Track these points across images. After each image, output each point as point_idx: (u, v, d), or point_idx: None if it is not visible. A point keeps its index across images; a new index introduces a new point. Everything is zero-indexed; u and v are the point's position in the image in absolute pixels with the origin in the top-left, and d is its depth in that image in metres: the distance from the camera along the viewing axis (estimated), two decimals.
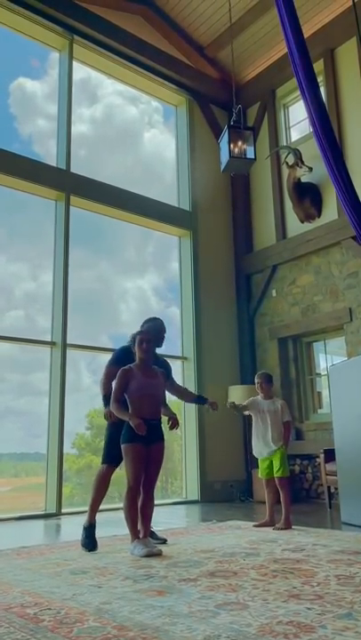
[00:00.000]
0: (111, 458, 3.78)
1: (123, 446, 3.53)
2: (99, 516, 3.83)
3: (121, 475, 4.09)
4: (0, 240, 6.68)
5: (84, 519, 3.83)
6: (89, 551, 3.55)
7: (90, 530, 3.71)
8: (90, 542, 3.63)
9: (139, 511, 3.51)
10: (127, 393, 3.60)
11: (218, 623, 1.96)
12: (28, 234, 7.02)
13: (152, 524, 3.80)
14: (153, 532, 3.84)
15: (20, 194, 6.58)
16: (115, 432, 3.72)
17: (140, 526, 3.51)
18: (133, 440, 3.47)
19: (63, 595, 2.44)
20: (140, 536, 3.47)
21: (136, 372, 3.63)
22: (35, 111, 7.31)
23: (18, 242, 6.93)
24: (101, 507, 3.89)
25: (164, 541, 3.78)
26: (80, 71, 7.48)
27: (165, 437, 3.74)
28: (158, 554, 3.31)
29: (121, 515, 3.69)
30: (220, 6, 7.48)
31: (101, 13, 7.22)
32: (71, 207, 6.71)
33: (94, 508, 3.79)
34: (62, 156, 6.81)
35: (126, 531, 3.57)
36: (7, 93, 7.01)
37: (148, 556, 3.27)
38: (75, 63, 7.22)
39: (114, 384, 3.67)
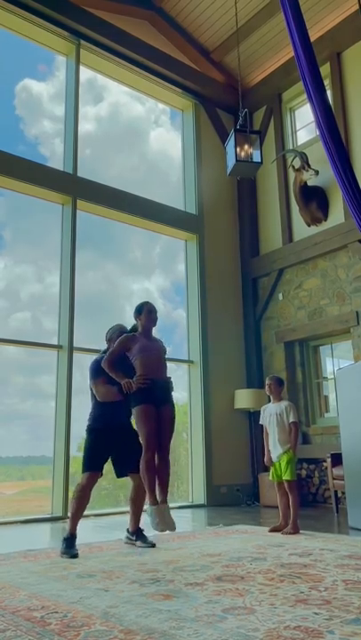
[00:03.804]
0: (93, 465, 3.74)
1: (134, 409, 3.57)
2: (104, 520, 3.85)
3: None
4: (5, 242, 6.71)
5: (88, 523, 3.83)
6: (71, 557, 3.44)
7: (70, 540, 3.60)
8: (72, 549, 3.54)
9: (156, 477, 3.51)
10: (130, 355, 3.66)
11: (225, 628, 1.95)
12: (34, 235, 7.05)
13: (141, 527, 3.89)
14: (143, 533, 3.90)
15: (25, 196, 6.61)
16: (95, 439, 3.78)
17: (157, 492, 3.49)
18: (144, 401, 3.50)
19: (70, 598, 2.44)
20: (159, 500, 3.45)
21: (139, 337, 3.75)
22: (40, 112, 7.35)
23: (23, 243, 6.96)
24: (107, 511, 3.90)
25: (152, 545, 3.78)
26: (86, 72, 7.52)
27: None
28: (172, 529, 3.36)
29: (126, 518, 3.71)
30: (227, 11, 7.51)
31: (108, 18, 7.26)
32: (78, 211, 6.73)
33: (75, 519, 3.69)
34: (69, 160, 6.84)
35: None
36: (13, 95, 7.06)
37: (162, 531, 3.31)
38: (81, 67, 7.26)
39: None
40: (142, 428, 3.52)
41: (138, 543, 3.83)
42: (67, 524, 3.75)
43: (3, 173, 6.15)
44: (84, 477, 3.73)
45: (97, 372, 3.82)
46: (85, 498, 3.71)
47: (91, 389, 3.96)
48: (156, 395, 3.56)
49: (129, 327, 4.04)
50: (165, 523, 3.37)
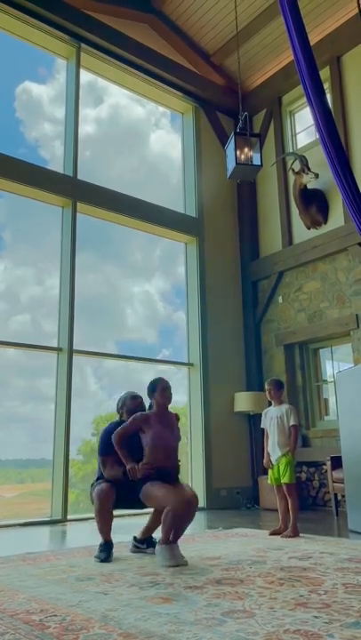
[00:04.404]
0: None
1: (143, 489, 3.46)
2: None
3: None
4: (5, 243, 6.72)
5: (87, 526, 3.79)
6: (100, 561, 3.40)
7: (105, 545, 3.52)
8: (103, 554, 3.47)
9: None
10: (143, 438, 3.55)
11: (224, 631, 1.94)
12: (34, 237, 7.06)
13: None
14: (154, 542, 3.75)
15: (25, 198, 6.62)
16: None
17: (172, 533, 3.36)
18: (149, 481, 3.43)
19: (69, 601, 2.43)
20: (171, 540, 3.32)
21: (154, 421, 3.60)
22: (41, 115, 7.37)
23: (23, 245, 6.96)
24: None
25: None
26: (87, 74, 7.53)
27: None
28: (185, 564, 3.21)
29: (130, 521, 3.68)
30: (227, 14, 7.54)
31: (108, 22, 7.28)
32: (78, 214, 6.74)
33: (105, 528, 3.57)
34: (69, 163, 6.85)
35: (130, 538, 3.54)
36: (13, 97, 7.07)
37: (174, 566, 3.16)
38: (82, 71, 7.28)
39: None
40: (153, 493, 3.40)
41: (150, 550, 3.69)
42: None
43: (3, 176, 6.16)
44: (104, 486, 3.56)
45: (107, 447, 3.66)
46: (109, 505, 3.57)
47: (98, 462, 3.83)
48: (161, 478, 3.48)
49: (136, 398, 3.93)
50: (176, 557, 3.27)
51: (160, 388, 3.68)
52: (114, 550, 3.56)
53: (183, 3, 7.72)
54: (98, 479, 3.73)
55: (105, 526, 3.59)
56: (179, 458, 3.76)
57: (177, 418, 3.82)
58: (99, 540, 3.60)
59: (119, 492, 3.58)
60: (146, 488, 3.44)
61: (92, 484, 3.75)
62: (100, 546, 3.54)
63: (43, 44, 7.05)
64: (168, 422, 3.67)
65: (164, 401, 3.67)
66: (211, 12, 7.73)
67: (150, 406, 3.76)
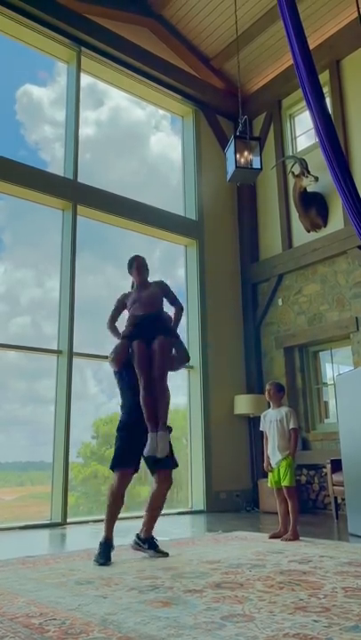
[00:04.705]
0: (126, 461, 3.60)
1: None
2: (103, 526, 3.74)
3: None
4: (5, 245, 6.73)
5: (87, 529, 3.79)
6: (99, 565, 3.37)
7: (105, 545, 3.51)
8: (102, 557, 3.44)
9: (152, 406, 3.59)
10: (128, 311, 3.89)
11: (224, 635, 1.94)
12: (34, 239, 7.06)
13: (155, 536, 3.76)
14: (155, 543, 3.75)
15: (25, 201, 6.63)
16: (127, 435, 3.64)
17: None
18: (134, 338, 3.70)
19: (68, 605, 2.43)
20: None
21: (132, 292, 4.00)
22: (41, 118, 7.39)
23: (23, 247, 6.97)
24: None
25: (165, 555, 3.65)
26: (87, 78, 7.55)
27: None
28: (158, 455, 3.48)
29: (126, 523, 3.67)
30: (227, 18, 7.56)
31: (109, 26, 7.31)
32: (78, 216, 6.75)
33: (110, 523, 3.57)
34: (70, 166, 6.86)
35: (130, 541, 3.53)
36: (13, 100, 7.09)
37: (147, 454, 3.50)
38: (82, 74, 7.30)
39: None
40: (136, 365, 3.66)
41: (150, 553, 3.67)
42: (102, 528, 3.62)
43: (3, 179, 6.17)
44: (116, 476, 3.58)
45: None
46: (120, 498, 3.58)
47: (118, 385, 3.85)
48: (147, 328, 3.72)
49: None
50: (152, 448, 3.42)
51: (135, 267, 4.01)
52: (114, 553, 3.55)
53: (183, 7, 7.75)
54: (125, 415, 3.73)
55: (114, 516, 3.58)
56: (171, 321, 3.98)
57: (161, 285, 4.03)
58: (99, 538, 3.59)
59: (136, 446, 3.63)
60: (132, 351, 3.67)
61: (121, 420, 3.73)
62: (100, 546, 3.51)
63: (43, 48, 7.07)
64: (146, 289, 3.97)
65: (139, 279, 4.01)
66: (211, 17, 7.75)
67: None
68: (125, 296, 4.01)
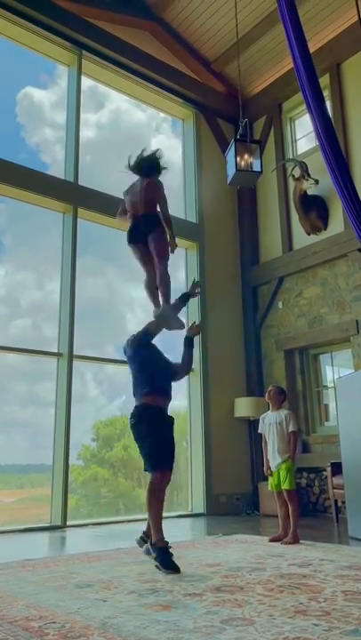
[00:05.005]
0: (163, 461, 3.49)
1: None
2: (103, 529, 3.74)
3: (122, 489, 4.01)
4: (5, 248, 6.73)
5: (87, 532, 3.78)
6: (175, 574, 3.13)
7: (166, 551, 3.31)
8: (172, 565, 3.22)
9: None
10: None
11: (224, 639, 1.94)
12: (34, 242, 7.07)
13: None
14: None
15: (26, 203, 6.64)
16: (159, 435, 3.54)
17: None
18: (131, 241, 4.07)
19: (68, 608, 2.43)
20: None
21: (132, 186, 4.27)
22: (42, 120, 7.40)
23: (23, 250, 6.97)
24: (106, 520, 3.75)
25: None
26: (88, 81, 7.56)
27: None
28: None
29: (125, 527, 3.67)
30: (227, 22, 7.58)
31: (110, 29, 7.33)
32: (78, 219, 6.75)
33: (157, 526, 3.40)
34: (70, 169, 6.87)
35: (131, 544, 3.50)
36: (14, 103, 7.11)
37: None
38: (83, 78, 7.31)
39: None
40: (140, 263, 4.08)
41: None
42: (152, 532, 3.45)
43: (4, 181, 6.18)
44: (155, 478, 3.46)
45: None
46: (161, 500, 3.46)
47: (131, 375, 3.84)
48: (140, 229, 4.04)
49: None
50: (161, 315, 3.92)
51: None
52: (114, 555, 3.53)
53: (184, 10, 7.77)
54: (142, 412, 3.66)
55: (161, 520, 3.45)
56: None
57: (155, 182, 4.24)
58: (99, 541, 3.55)
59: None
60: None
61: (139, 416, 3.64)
62: (162, 553, 3.28)
63: (44, 51, 7.09)
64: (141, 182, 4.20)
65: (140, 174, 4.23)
66: (211, 20, 7.78)
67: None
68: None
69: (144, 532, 3.80)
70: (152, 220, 4.09)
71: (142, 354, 3.78)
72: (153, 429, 3.56)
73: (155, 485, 3.46)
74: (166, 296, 3.98)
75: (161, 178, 4.27)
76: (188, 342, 4.11)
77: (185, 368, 4.04)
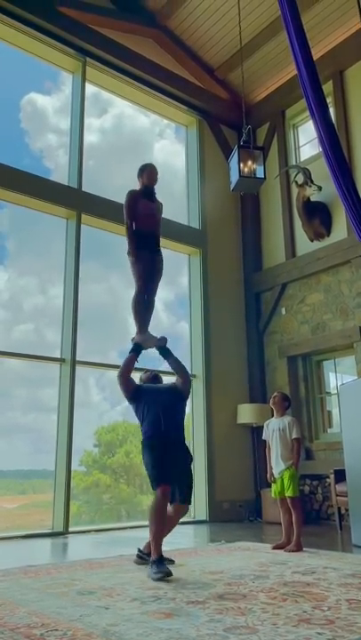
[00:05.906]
0: (164, 476, 3.50)
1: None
2: (106, 535, 3.72)
3: (124, 496, 4.00)
4: (9, 253, 6.75)
5: (89, 538, 3.76)
6: (166, 577, 3.18)
7: (159, 561, 3.32)
8: (162, 570, 3.24)
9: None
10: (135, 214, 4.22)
11: None
12: (37, 247, 7.08)
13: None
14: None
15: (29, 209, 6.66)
16: (158, 453, 3.57)
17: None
18: (139, 248, 4.14)
19: (70, 615, 2.41)
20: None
21: (140, 196, 4.31)
22: (45, 126, 7.44)
23: (26, 255, 6.99)
24: (108, 526, 3.73)
25: (171, 562, 3.64)
26: (92, 87, 7.60)
27: None
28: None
29: (127, 534, 3.64)
30: (231, 29, 7.63)
31: (114, 37, 7.38)
32: (82, 225, 6.76)
33: (157, 542, 3.41)
34: (74, 175, 6.90)
35: (133, 551, 3.48)
36: (18, 109, 7.15)
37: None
38: (87, 84, 7.35)
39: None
40: (137, 271, 4.12)
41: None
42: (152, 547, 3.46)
43: (8, 187, 6.21)
44: (158, 493, 3.48)
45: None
46: (164, 516, 3.50)
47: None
48: (149, 242, 4.18)
49: None
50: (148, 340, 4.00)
51: (147, 172, 4.34)
52: (116, 562, 3.51)
53: (188, 18, 7.82)
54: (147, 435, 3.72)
55: (162, 534, 3.48)
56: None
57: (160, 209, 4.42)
58: (101, 548, 3.53)
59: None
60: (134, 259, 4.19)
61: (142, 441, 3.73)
62: (155, 564, 3.31)
63: (49, 58, 7.14)
64: (154, 201, 4.36)
65: (149, 181, 4.35)
66: (215, 27, 7.82)
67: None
68: (133, 195, 4.30)
69: (139, 550, 3.78)
70: (159, 244, 4.33)
71: (139, 403, 3.80)
72: (150, 449, 3.62)
73: (156, 504, 3.48)
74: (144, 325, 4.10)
75: (165, 184, 4.37)
76: (162, 353, 4.06)
77: (180, 377, 3.97)
